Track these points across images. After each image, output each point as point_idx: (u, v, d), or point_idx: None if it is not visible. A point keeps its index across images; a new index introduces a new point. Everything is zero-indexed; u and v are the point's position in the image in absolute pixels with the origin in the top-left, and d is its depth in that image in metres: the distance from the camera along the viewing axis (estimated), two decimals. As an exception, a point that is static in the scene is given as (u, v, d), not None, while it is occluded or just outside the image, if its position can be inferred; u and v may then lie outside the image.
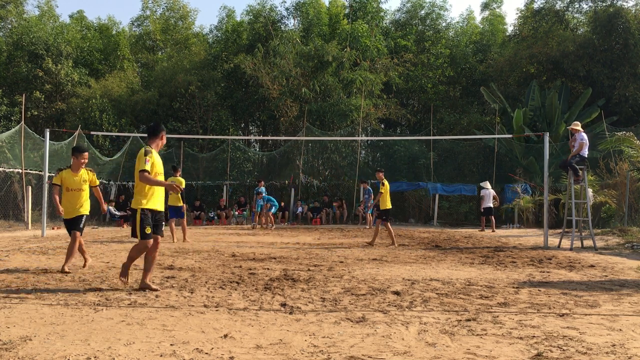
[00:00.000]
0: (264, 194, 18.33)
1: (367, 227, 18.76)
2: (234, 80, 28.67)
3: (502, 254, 9.94)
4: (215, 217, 22.19)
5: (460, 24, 32.96)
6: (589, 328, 4.21)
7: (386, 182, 12.08)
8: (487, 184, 19.05)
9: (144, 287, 5.78)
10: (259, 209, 18.53)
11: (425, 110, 29.07)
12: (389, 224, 12.04)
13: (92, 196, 7.81)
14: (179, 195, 12.39)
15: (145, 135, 6.55)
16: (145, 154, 5.80)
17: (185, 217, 12.83)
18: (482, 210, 18.95)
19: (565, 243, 11.63)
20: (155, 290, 5.72)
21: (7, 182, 18.08)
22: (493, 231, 17.80)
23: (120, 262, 8.25)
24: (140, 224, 5.78)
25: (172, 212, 12.66)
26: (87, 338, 3.83)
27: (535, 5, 28.10)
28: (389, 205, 12.13)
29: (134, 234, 5.81)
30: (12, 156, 18.58)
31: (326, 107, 24.62)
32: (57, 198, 7.66)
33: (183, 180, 12.77)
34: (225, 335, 3.93)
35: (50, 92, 27.07)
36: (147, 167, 5.77)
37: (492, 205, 18.59)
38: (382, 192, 11.93)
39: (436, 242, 12.98)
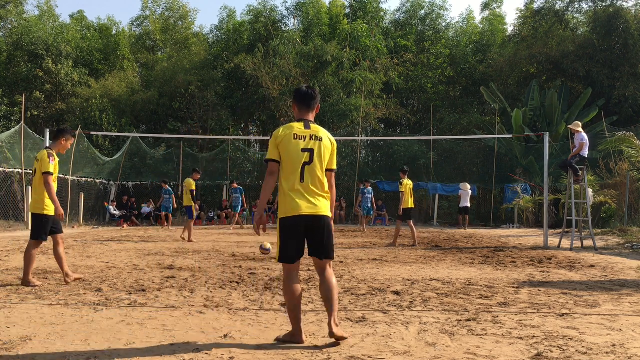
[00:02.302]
0: (238, 194, 18.39)
1: (361, 229, 17.78)
2: (234, 80, 28.68)
3: (502, 254, 9.93)
4: (216, 217, 22.20)
5: (460, 24, 33.00)
6: (589, 328, 4.21)
7: (404, 181, 12.02)
8: (466, 186, 20.51)
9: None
10: (239, 209, 18.79)
11: (425, 110, 29.08)
12: (411, 222, 12.01)
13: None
14: (189, 195, 12.59)
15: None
16: (49, 155, 6.08)
17: (193, 217, 12.93)
18: (459, 208, 20.56)
19: (565, 243, 11.63)
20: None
21: (7, 182, 18.08)
22: (465, 229, 19.02)
23: (120, 262, 8.25)
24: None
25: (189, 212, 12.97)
26: (87, 338, 3.83)
27: (535, 6, 28.12)
28: (406, 205, 12.01)
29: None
30: (12, 156, 18.59)
31: (326, 107, 24.60)
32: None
33: (193, 182, 12.84)
34: (225, 335, 3.93)
35: (50, 92, 27.08)
36: (52, 169, 6.08)
37: (468, 205, 20.11)
38: (402, 192, 11.96)
39: (436, 242, 12.99)
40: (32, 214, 6.24)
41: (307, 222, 3.73)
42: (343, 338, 3.65)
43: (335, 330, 3.63)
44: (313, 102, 3.93)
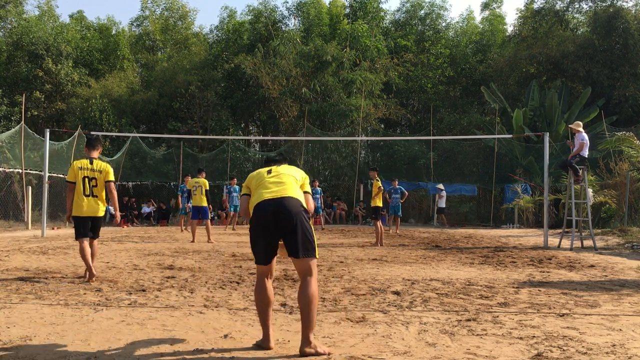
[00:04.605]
0: (237, 193, 17.28)
1: (395, 231, 16.96)
2: (234, 80, 28.68)
3: (502, 254, 9.93)
4: (216, 217, 22.19)
5: (460, 24, 32.99)
6: (589, 328, 4.21)
7: (377, 180, 12.34)
8: (441, 186, 21.62)
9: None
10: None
11: (425, 110, 29.06)
12: (379, 222, 12.10)
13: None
14: (203, 195, 12.55)
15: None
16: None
17: (209, 217, 12.96)
18: (437, 209, 21.70)
19: (565, 243, 11.63)
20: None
21: (7, 182, 18.07)
22: (446, 227, 20.26)
23: (120, 262, 8.25)
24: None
25: (194, 213, 12.88)
26: (87, 338, 3.83)
27: (535, 6, 28.10)
28: (375, 204, 12.26)
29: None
30: (12, 156, 18.58)
31: (326, 107, 24.62)
32: None
33: (206, 182, 12.88)
34: (226, 335, 3.93)
35: (50, 92, 27.08)
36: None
37: (443, 205, 21.36)
38: (380, 188, 12.23)
39: (436, 242, 12.98)
40: (96, 218, 6.65)
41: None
42: (314, 355, 3.34)
43: (307, 349, 3.37)
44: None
